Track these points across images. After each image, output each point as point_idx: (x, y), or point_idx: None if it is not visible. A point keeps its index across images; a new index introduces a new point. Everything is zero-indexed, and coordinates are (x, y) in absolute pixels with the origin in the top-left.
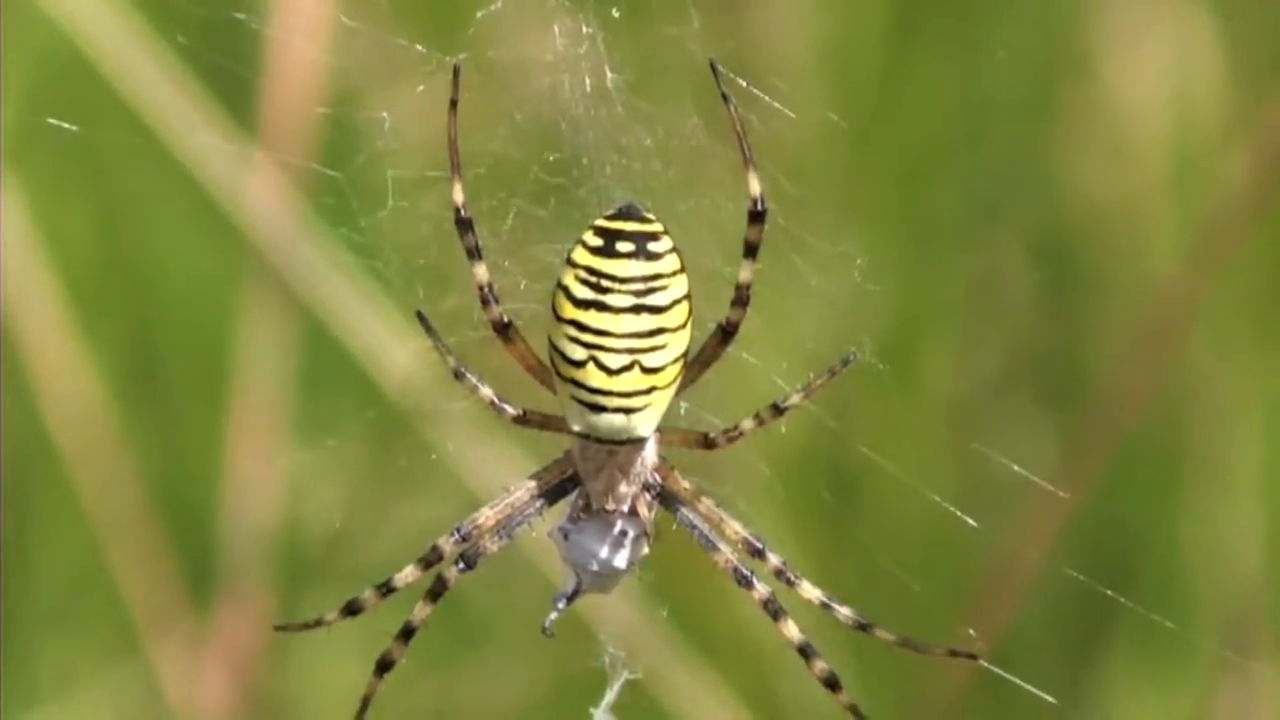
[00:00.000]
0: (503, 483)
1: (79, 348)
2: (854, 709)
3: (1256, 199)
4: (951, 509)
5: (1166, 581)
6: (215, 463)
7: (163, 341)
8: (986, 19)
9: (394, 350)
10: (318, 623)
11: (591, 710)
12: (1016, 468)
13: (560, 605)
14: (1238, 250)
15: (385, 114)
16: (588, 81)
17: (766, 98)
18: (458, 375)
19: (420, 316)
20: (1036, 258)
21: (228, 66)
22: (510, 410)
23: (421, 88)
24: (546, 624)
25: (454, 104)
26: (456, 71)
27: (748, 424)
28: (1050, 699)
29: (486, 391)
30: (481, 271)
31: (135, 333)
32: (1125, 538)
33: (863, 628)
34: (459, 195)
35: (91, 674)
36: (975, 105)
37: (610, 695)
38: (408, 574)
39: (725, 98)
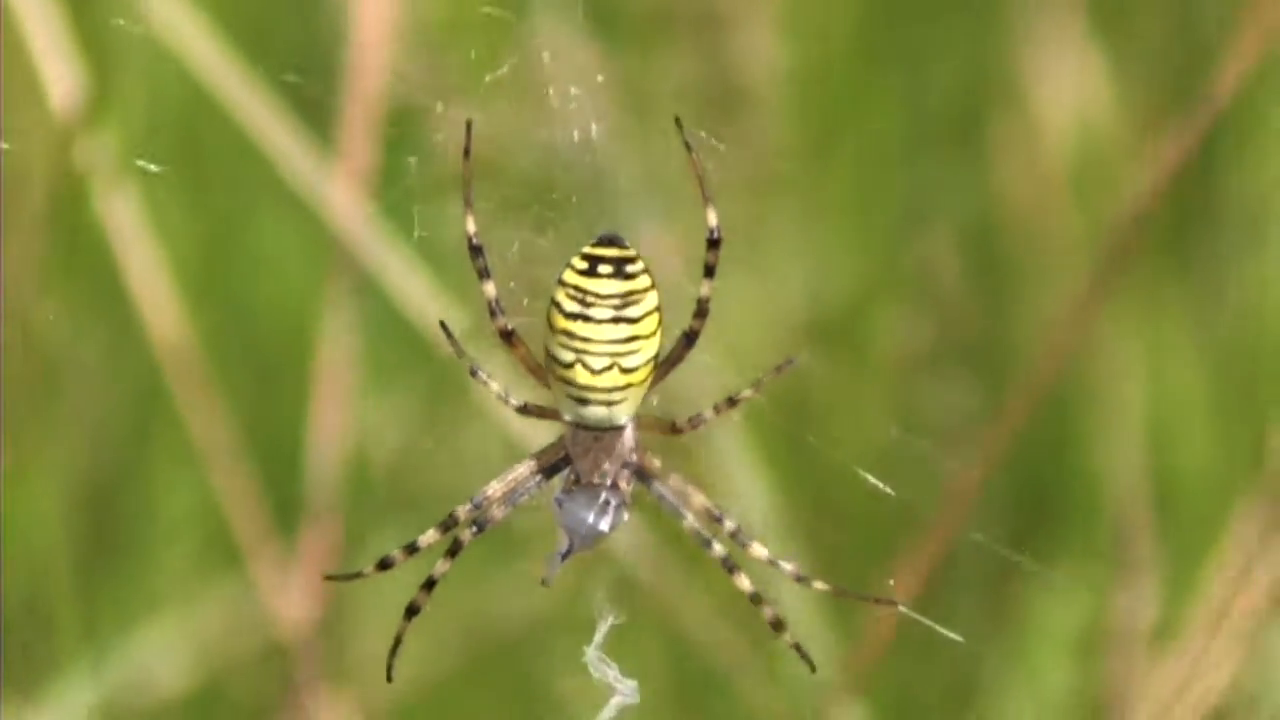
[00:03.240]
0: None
1: (190, 319)
2: (796, 647)
3: (1147, 201)
4: (873, 481)
5: (1073, 504)
6: (301, 410)
7: (259, 314)
8: (929, 52)
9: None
10: (358, 575)
11: (584, 648)
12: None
13: (556, 562)
14: (1132, 242)
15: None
16: (575, 134)
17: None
18: (472, 373)
19: (442, 325)
20: (967, 248)
21: (315, 96)
22: (514, 402)
23: (440, 136)
24: (546, 577)
25: (467, 152)
26: (469, 126)
27: (708, 413)
28: (957, 638)
29: (495, 386)
30: (490, 288)
31: (236, 311)
32: (1042, 472)
33: (801, 580)
34: (471, 226)
35: (199, 587)
36: (918, 122)
37: (599, 637)
38: (429, 536)
39: (687, 146)
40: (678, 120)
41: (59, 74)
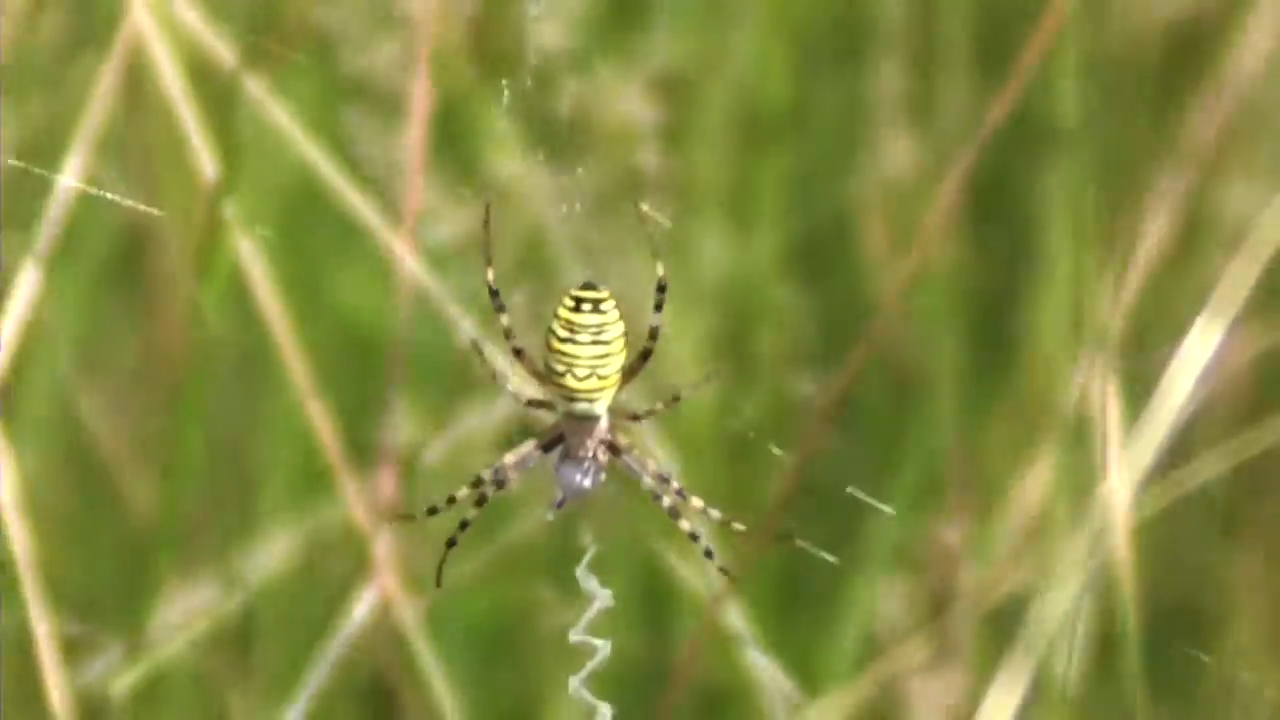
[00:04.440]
0: None
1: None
2: (722, 569)
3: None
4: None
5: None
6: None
7: (337, 321)
8: None
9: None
10: (411, 517)
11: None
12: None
13: (554, 509)
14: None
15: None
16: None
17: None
18: (493, 376)
19: (474, 345)
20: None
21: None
22: (524, 396)
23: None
24: (548, 517)
25: (486, 223)
26: (487, 205)
27: (659, 406)
28: (831, 558)
29: (510, 388)
30: (504, 319)
31: (328, 322)
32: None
33: (723, 523)
34: (490, 275)
35: (295, 512)
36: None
37: (585, 560)
38: (463, 491)
39: (644, 220)
40: (635, 203)
41: (200, 155)
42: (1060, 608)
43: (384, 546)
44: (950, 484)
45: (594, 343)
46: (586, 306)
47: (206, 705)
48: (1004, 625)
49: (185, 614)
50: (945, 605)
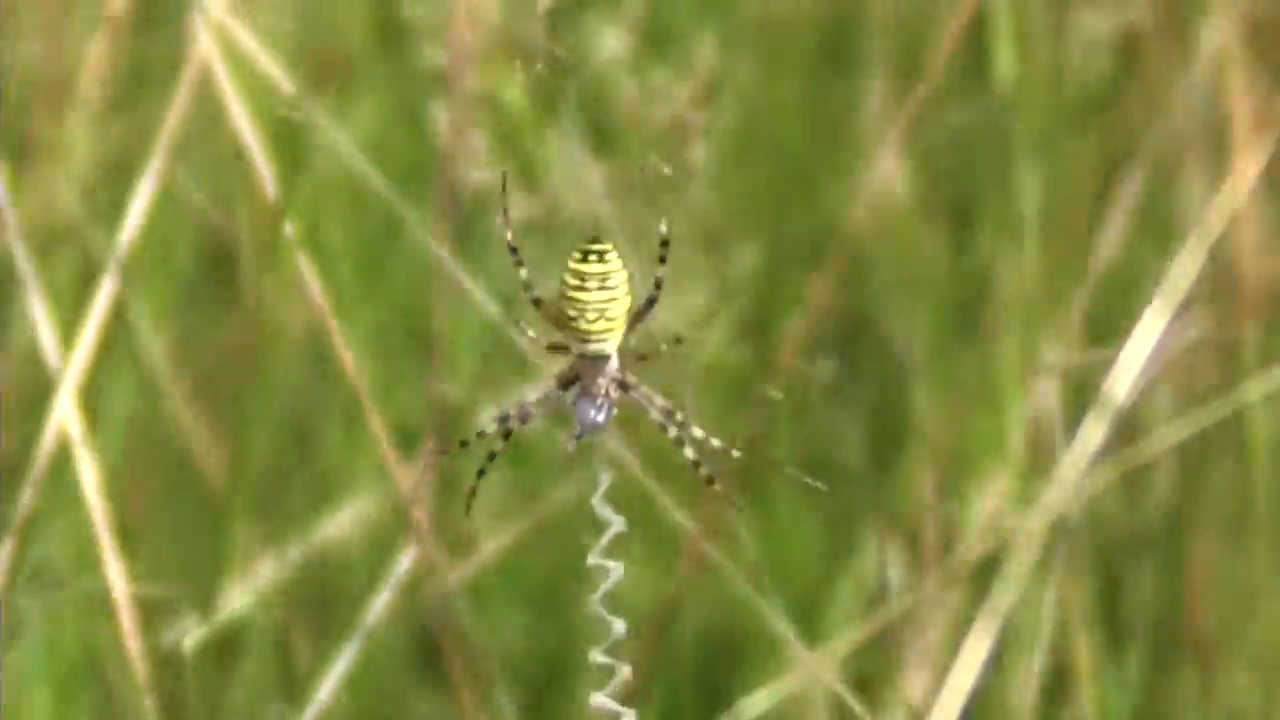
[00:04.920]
0: None
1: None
2: (725, 495)
3: None
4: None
5: None
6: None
7: (385, 312)
8: None
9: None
10: (444, 451)
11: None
12: None
13: (572, 441)
14: None
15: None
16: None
17: None
18: (521, 332)
19: (517, 323)
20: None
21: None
22: (543, 343)
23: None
24: (566, 450)
25: (503, 189)
26: (504, 175)
27: (663, 347)
28: (823, 487)
29: (531, 334)
30: (523, 272)
31: (376, 315)
32: None
33: (724, 451)
34: (509, 235)
35: (350, 484)
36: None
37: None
38: (491, 427)
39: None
40: (641, 166)
41: (263, 170)
42: (1024, 569)
43: (424, 510)
44: (928, 449)
45: (600, 289)
46: (593, 257)
47: (270, 658)
48: (982, 583)
49: (252, 577)
50: (930, 564)
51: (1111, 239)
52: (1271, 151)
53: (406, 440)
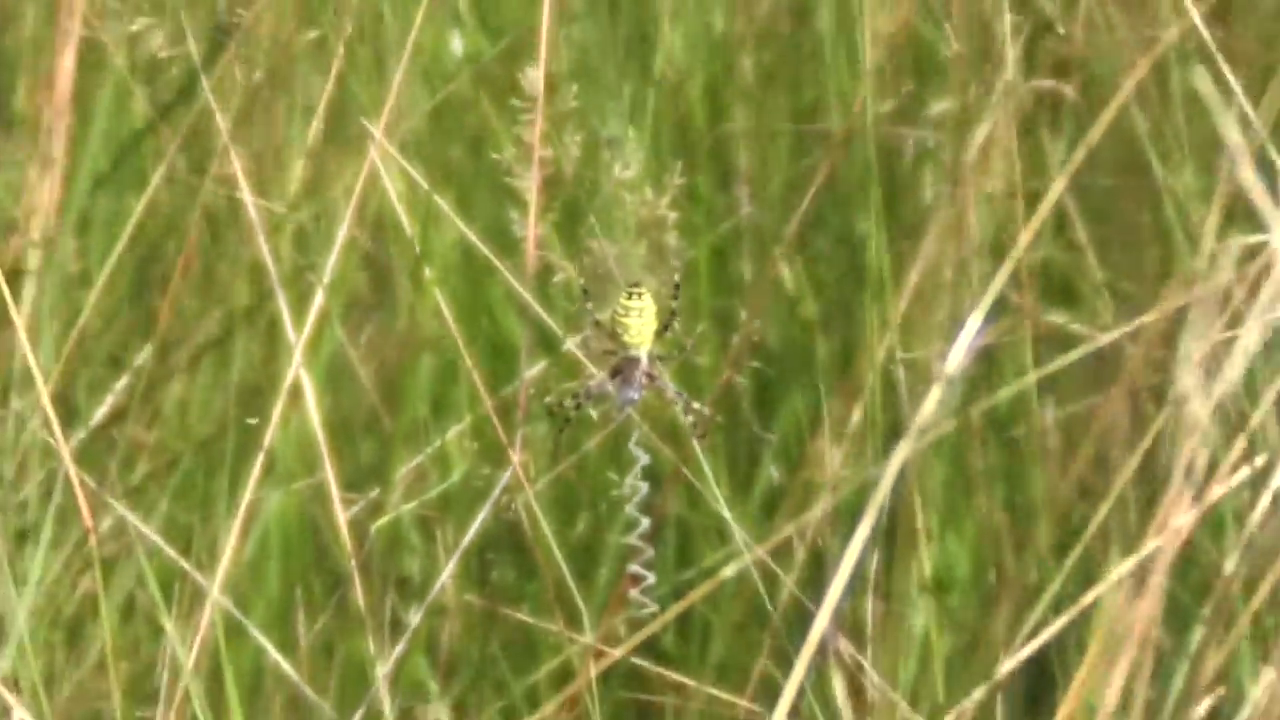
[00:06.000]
0: None
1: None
2: (700, 439)
3: None
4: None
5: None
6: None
7: (491, 328)
8: None
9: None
10: (537, 412)
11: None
12: None
13: (619, 413)
14: None
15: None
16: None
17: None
18: (587, 336)
19: (584, 341)
20: None
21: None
22: (602, 349)
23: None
24: (615, 419)
25: (586, 251)
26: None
27: (676, 354)
28: (771, 436)
29: (593, 343)
30: (589, 304)
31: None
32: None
33: (712, 418)
34: (581, 281)
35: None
36: None
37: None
38: (569, 400)
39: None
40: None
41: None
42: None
43: (517, 450)
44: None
45: (638, 317)
46: (634, 297)
47: (418, 543)
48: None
49: (408, 483)
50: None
51: (931, 260)
52: None
53: (505, 410)
